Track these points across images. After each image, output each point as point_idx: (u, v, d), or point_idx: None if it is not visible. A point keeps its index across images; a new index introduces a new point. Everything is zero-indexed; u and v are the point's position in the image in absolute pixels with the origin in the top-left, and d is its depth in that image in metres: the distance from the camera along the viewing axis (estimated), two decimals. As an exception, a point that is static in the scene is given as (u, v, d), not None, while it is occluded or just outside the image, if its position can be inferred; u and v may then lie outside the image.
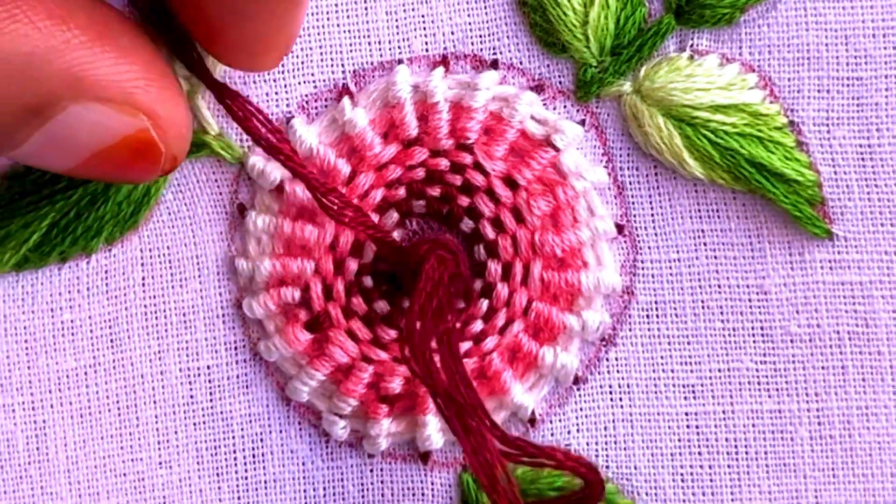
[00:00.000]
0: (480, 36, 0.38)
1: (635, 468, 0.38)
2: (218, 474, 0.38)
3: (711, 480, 0.38)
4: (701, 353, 0.38)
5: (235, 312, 0.38)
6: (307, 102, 0.38)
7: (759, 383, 0.38)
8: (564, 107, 0.38)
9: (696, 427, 0.38)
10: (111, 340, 0.37)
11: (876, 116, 0.37)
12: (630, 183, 0.38)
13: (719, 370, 0.38)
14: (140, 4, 0.34)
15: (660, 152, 0.37)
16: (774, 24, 0.37)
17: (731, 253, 0.38)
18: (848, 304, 0.38)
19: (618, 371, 0.38)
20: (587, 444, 0.38)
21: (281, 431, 0.38)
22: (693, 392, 0.38)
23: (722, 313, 0.38)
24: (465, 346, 0.37)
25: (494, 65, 0.38)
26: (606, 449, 0.38)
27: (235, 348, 0.38)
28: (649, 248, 0.38)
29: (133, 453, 0.37)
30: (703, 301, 0.38)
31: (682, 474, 0.38)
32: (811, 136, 0.38)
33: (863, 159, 0.37)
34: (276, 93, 0.37)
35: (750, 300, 0.38)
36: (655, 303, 0.38)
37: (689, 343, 0.38)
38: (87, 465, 0.37)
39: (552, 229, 0.37)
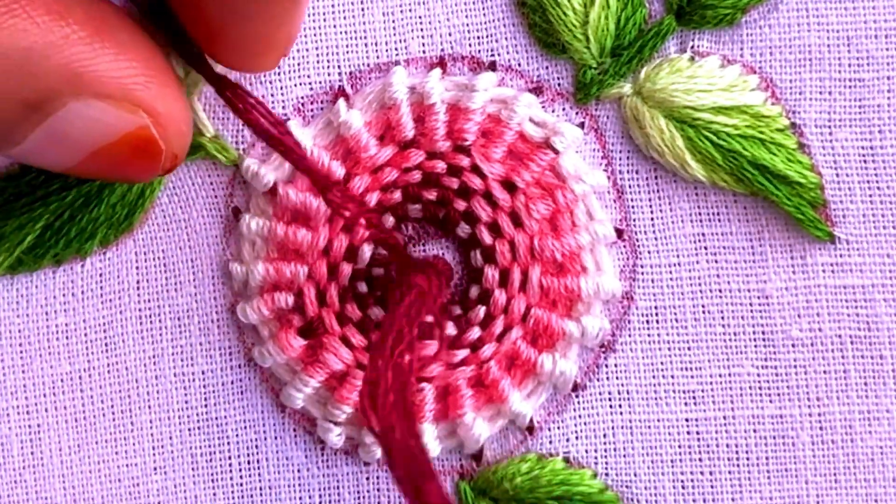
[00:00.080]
0: (478, 37, 0.38)
1: (635, 475, 0.38)
2: (213, 480, 0.38)
3: (712, 487, 0.38)
4: (701, 359, 0.38)
5: (230, 317, 0.38)
6: (303, 104, 0.37)
7: (760, 388, 0.38)
8: (563, 109, 0.38)
9: (697, 433, 0.38)
10: (106, 344, 0.37)
11: (878, 118, 0.37)
12: (629, 186, 0.38)
13: (720, 375, 0.38)
14: (139, 0, 0.34)
15: (661, 154, 0.37)
16: (776, 26, 0.37)
17: (732, 257, 0.38)
18: (850, 308, 0.38)
19: (617, 377, 0.38)
20: (586, 451, 0.38)
21: (276, 438, 0.38)
22: (693, 398, 0.38)
23: (723, 318, 0.38)
24: (463, 353, 0.37)
25: (492, 66, 0.38)
26: (606, 456, 0.38)
27: (230, 353, 0.38)
28: (649, 252, 0.38)
29: (128, 458, 0.38)
30: (703, 306, 0.38)
31: (682, 481, 0.38)
32: (813, 137, 0.38)
33: (865, 161, 0.37)
34: (272, 95, 0.37)
35: (751, 304, 0.38)
36: (655, 308, 0.38)
37: (689, 348, 0.38)
38: (82, 469, 0.37)
39: (551, 234, 0.37)
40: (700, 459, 0.38)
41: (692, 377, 0.38)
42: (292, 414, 0.38)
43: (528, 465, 0.37)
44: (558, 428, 0.38)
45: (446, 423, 0.37)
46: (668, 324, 0.38)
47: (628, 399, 0.38)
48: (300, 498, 0.38)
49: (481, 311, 0.37)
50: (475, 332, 0.37)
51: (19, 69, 0.29)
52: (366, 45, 0.38)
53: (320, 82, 0.38)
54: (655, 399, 0.38)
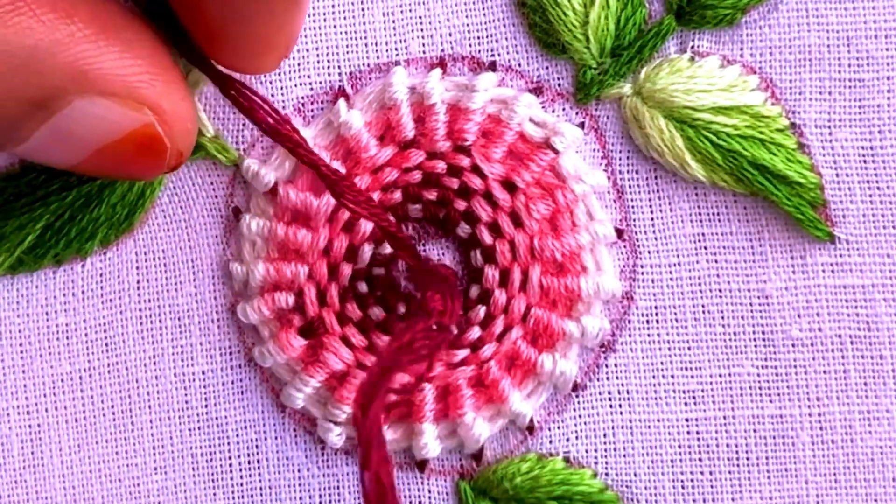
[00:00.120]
0: (478, 37, 0.38)
1: (635, 475, 0.38)
2: (213, 480, 0.38)
3: (712, 487, 0.38)
4: (701, 359, 0.38)
5: (230, 317, 0.38)
6: (303, 105, 0.37)
7: (760, 388, 0.38)
8: (563, 109, 0.38)
9: (697, 433, 0.38)
10: (106, 344, 0.37)
11: (878, 118, 0.37)
12: (629, 186, 0.38)
13: (720, 375, 0.38)
14: (141, 0, 0.34)
15: (661, 154, 0.37)
16: (776, 26, 0.37)
17: (732, 257, 0.38)
18: (850, 308, 0.38)
19: (617, 377, 0.38)
20: (586, 451, 0.38)
21: (276, 438, 0.38)
22: (693, 398, 0.38)
23: (723, 318, 0.38)
24: (463, 353, 0.37)
25: (492, 66, 0.38)
26: (606, 456, 0.38)
27: (230, 354, 0.38)
28: (649, 252, 0.38)
29: (128, 458, 0.37)
30: (703, 306, 0.38)
31: (682, 481, 0.38)
32: (813, 138, 0.37)
33: (864, 161, 0.37)
34: (272, 95, 0.37)
35: (751, 304, 0.38)
36: (655, 308, 0.38)
37: (689, 348, 0.38)
38: (83, 469, 0.37)
39: (551, 234, 0.37)
40: (700, 459, 0.38)
41: (692, 377, 0.38)
42: (292, 414, 0.38)
43: (529, 464, 0.37)
44: (558, 428, 0.38)
45: (446, 423, 0.37)
46: (668, 324, 0.38)
47: (628, 399, 0.38)
48: (300, 498, 0.38)
49: (481, 310, 0.37)
50: (475, 332, 0.37)
51: (25, 67, 0.29)
52: (366, 45, 0.38)
53: (320, 82, 0.38)
54: (655, 399, 0.38)
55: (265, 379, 0.38)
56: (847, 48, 0.37)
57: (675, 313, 0.38)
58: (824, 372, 0.38)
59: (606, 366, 0.38)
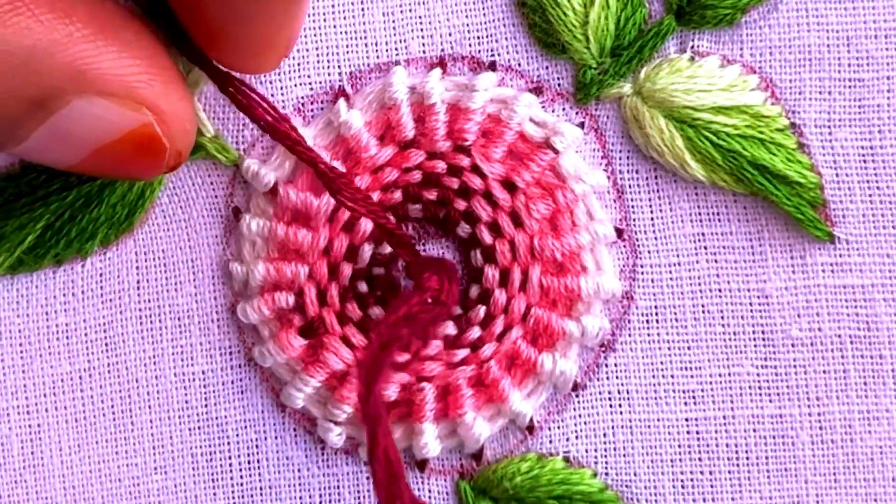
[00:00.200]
0: (478, 37, 0.38)
1: (635, 475, 0.38)
2: (213, 480, 0.38)
3: (712, 486, 0.38)
4: (701, 358, 0.38)
5: (230, 317, 0.38)
6: (303, 104, 0.37)
7: (759, 388, 0.38)
8: (563, 109, 0.38)
9: (697, 433, 0.38)
10: (106, 344, 0.37)
11: (878, 118, 0.37)
12: (629, 186, 0.38)
13: (720, 375, 0.38)
14: (140, 0, 0.34)
15: (661, 154, 0.37)
16: (776, 26, 0.37)
17: (732, 257, 0.38)
18: (849, 308, 0.38)
19: (617, 377, 0.38)
20: (586, 450, 0.38)
21: (276, 438, 0.38)
22: (693, 397, 0.38)
23: (722, 318, 0.38)
24: (463, 353, 0.37)
25: (492, 66, 0.38)
26: (606, 455, 0.38)
27: (230, 353, 0.38)
28: (649, 252, 0.38)
29: (128, 458, 0.37)
30: (703, 305, 0.38)
31: (682, 480, 0.38)
32: (812, 137, 0.37)
33: (864, 161, 0.37)
34: (272, 95, 0.37)
35: (751, 304, 0.38)
36: (655, 308, 0.38)
37: (689, 348, 0.38)
38: (83, 469, 0.37)
39: (551, 233, 0.37)
40: (700, 459, 0.38)
41: (692, 377, 0.38)
42: (292, 413, 0.38)
43: (528, 464, 0.37)
44: (558, 427, 0.38)
45: (447, 423, 0.37)
46: (667, 323, 0.38)
47: (628, 398, 0.38)
48: (300, 497, 0.38)
49: (481, 310, 0.37)
50: (475, 332, 0.37)
51: (23, 67, 0.29)
52: (366, 45, 0.38)
53: (320, 82, 0.38)
54: (655, 398, 0.38)
55: (265, 379, 0.38)
56: (847, 48, 0.37)
57: (675, 313, 0.38)
58: (824, 372, 0.38)
59: (606, 365, 0.38)
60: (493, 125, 0.37)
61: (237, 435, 0.38)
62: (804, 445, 0.38)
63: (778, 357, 0.38)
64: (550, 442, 0.38)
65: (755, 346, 0.38)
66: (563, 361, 0.37)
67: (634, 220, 0.38)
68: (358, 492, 0.38)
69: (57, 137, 0.31)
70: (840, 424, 0.38)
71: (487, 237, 0.37)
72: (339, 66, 0.38)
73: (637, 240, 0.38)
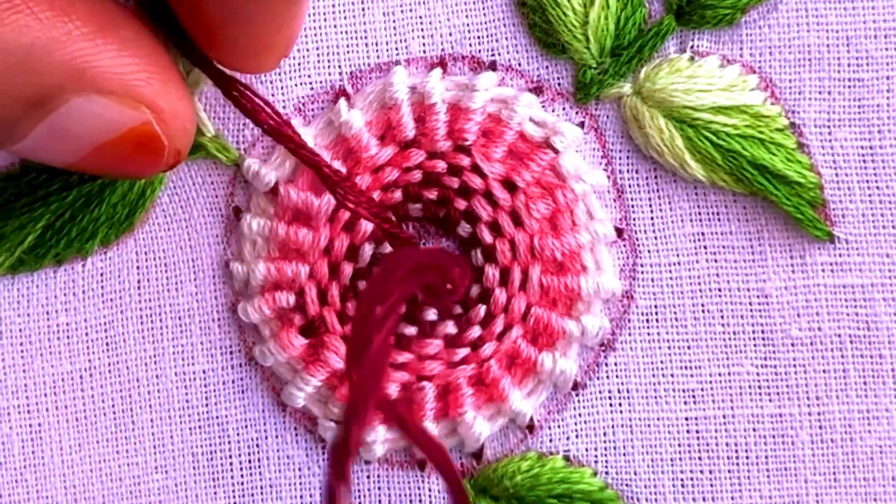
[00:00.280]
0: (479, 37, 0.38)
1: (635, 474, 0.38)
2: (214, 479, 0.37)
3: (712, 486, 0.38)
4: (701, 358, 0.38)
5: (231, 316, 0.38)
6: (304, 104, 0.37)
7: (759, 387, 0.38)
8: (563, 109, 0.38)
9: (697, 432, 0.38)
10: (107, 344, 0.37)
11: (877, 118, 0.37)
12: (629, 186, 0.38)
13: (719, 374, 0.38)
14: (141, 1, 0.34)
15: (661, 154, 0.37)
16: (775, 25, 0.37)
17: (732, 256, 0.38)
18: (849, 307, 0.38)
19: (617, 376, 0.38)
20: (586, 450, 0.38)
21: (277, 437, 0.38)
22: (693, 397, 0.38)
23: (722, 317, 0.38)
24: (463, 352, 0.37)
25: (493, 66, 0.38)
26: (606, 455, 0.38)
27: (231, 353, 0.38)
28: (649, 251, 0.38)
29: (129, 458, 0.37)
30: (703, 305, 0.38)
31: (682, 480, 0.38)
32: (812, 137, 0.37)
33: (864, 161, 0.37)
34: (273, 95, 0.37)
35: (750, 304, 0.38)
36: (655, 307, 0.38)
37: (689, 347, 0.38)
38: (83, 469, 0.37)
39: (551, 233, 0.37)
40: (700, 458, 0.38)
41: (692, 376, 0.38)
42: (293, 413, 0.38)
43: (529, 463, 0.37)
44: (558, 426, 0.38)
45: (447, 422, 0.37)
46: (667, 323, 0.38)
47: (628, 398, 0.38)
48: (301, 496, 0.38)
49: (482, 309, 0.37)
50: (475, 331, 0.37)
51: (22, 65, 0.29)
52: (366, 45, 0.38)
53: (321, 82, 0.38)
54: (655, 398, 0.38)
55: (266, 378, 0.38)
56: (847, 48, 0.37)
57: (675, 312, 0.38)
58: (824, 371, 0.38)
59: (606, 365, 0.38)
60: (493, 125, 0.37)
61: (238, 434, 0.38)
62: (804, 445, 0.38)
63: (778, 357, 0.38)
64: (550, 441, 0.38)
65: (755, 345, 0.38)
66: (563, 361, 0.37)
67: (634, 219, 0.38)
68: (358, 491, 0.38)
69: (56, 136, 0.31)
70: (840, 424, 0.38)
71: (488, 237, 0.37)
72: (339, 66, 0.38)
73: (637, 239, 0.38)
